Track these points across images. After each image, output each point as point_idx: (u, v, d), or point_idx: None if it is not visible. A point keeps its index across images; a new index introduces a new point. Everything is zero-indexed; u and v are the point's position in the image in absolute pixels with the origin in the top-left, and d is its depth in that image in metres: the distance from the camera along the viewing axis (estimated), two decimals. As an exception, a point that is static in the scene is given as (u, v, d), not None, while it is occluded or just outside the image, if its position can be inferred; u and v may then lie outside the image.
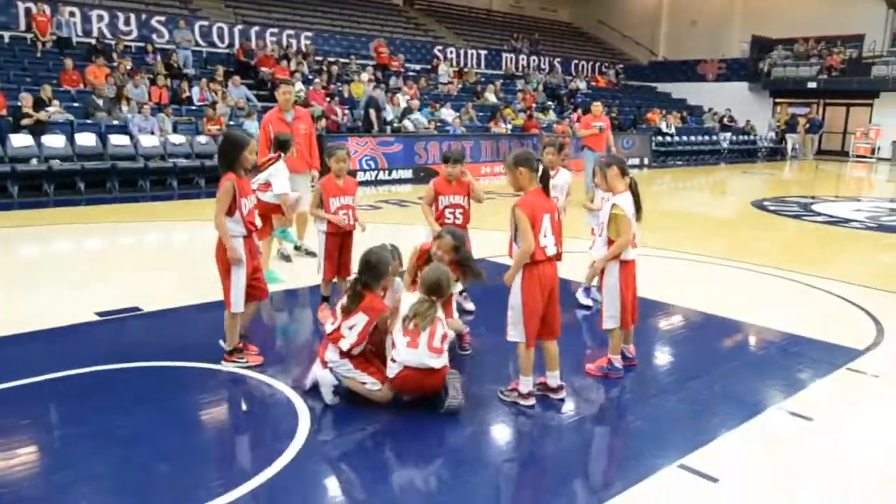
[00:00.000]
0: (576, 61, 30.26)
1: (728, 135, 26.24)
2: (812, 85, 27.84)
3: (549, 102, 23.90)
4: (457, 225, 5.41)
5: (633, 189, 4.48)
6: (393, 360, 3.94)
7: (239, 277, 4.42)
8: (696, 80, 31.10)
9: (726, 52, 31.38)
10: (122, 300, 5.95)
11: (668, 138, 24.30)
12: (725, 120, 27.44)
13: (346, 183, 5.58)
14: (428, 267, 4.27)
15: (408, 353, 3.86)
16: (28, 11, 16.35)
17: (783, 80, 29.09)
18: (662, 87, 31.68)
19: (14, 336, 5.04)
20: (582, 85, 27.11)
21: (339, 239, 5.52)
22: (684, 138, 24.98)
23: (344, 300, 4.09)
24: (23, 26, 16.41)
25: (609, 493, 3.19)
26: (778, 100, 30.24)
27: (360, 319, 3.98)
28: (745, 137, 27.10)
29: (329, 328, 4.06)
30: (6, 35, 16.22)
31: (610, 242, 4.42)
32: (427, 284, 4.06)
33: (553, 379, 4.19)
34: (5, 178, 11.63)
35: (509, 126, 20.10)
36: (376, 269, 4.07)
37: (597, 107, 12.99)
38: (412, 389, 3.98)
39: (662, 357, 5.12)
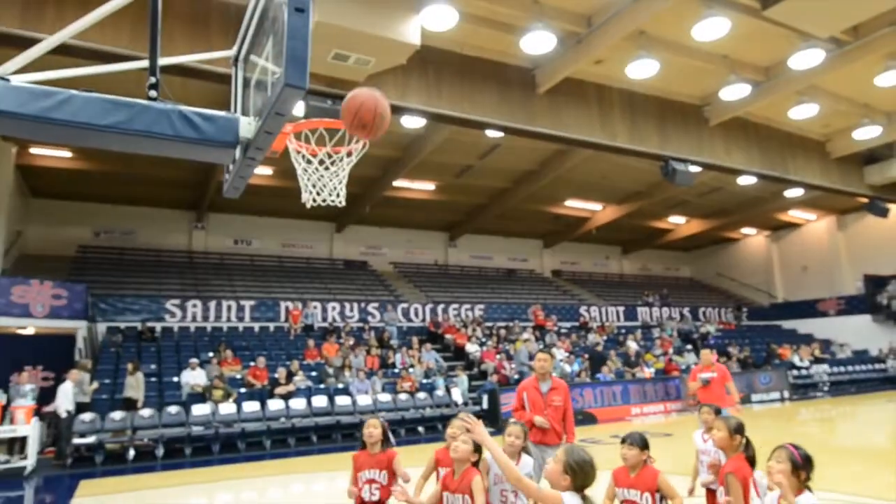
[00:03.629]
0: (702, 308, 29.20)
1: (824, 366, 22.32)
2: (938, 313, 24.60)
3: (685, 346, 22.84)
4: None
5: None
6: None
7: None
8: (818, 316, 28.35)
9: (841, 289, 28.93)
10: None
11: (804, 371, 21.88)
12: (815, 352, 23.45)
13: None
14: None
15: None
16: (287, 309, 18.98)
17: (906, 310, 25.98)
18: (787, 324, 29.24)
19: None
20: (711, 329, 25.86)
21: None
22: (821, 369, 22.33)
23: None
24: (283, 319, 18.94)
25: None
26: (905, 328, 26.73)
27: None
28: (881, 366, 23.73)
29: None
30: (271, 326, 18.72)
31: None
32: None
33: None
34: (262, 435, 12.67)
35: (652, 370, 19.22)
36: None
37: (706, 355, 8.74)
38: None
39: None
